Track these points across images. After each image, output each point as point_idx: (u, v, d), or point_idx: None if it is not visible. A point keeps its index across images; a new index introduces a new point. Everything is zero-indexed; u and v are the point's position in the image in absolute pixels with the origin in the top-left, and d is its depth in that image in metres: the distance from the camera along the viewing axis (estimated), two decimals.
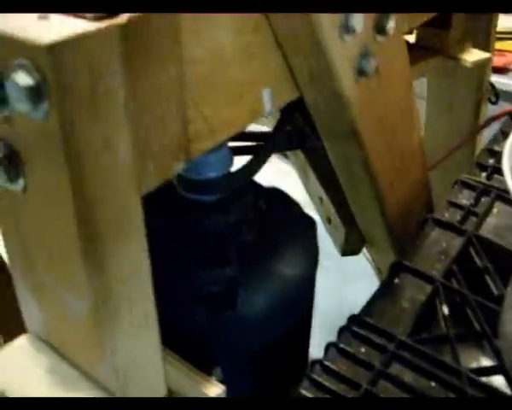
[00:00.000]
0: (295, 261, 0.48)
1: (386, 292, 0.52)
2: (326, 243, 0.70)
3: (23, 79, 0.29)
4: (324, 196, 0.73)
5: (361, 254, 0.92)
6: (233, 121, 0.43)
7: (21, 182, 0.34)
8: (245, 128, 0.44)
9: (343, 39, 0.43)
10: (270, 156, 0.49)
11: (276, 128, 0.54)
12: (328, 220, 0.73)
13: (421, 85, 0.97)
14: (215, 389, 0.41)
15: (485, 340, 0.48)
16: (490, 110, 0.93)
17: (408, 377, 0.45)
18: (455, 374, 0.45)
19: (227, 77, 0.41)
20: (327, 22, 0.41)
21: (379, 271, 0.76)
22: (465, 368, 0.45)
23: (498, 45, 1.50)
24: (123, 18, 0.31)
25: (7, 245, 0.40)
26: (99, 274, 0.35)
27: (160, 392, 0.43)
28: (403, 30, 0.52)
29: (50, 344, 0.42)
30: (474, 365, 0.46)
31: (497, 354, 0.47)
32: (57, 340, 0.42)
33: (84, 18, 0.29)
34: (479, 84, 0.90)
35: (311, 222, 0.53)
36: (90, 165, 0.32)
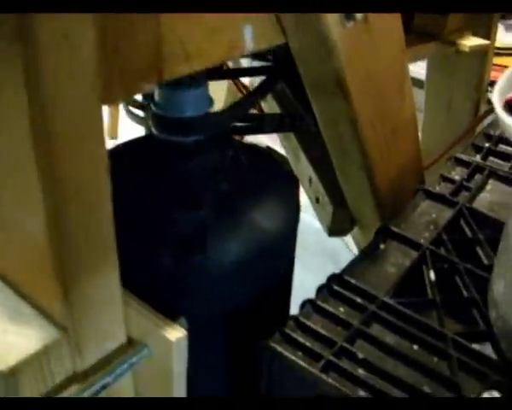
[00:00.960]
0: (274, 213, 0.45)
1: (370, 256, 0.49)
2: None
3: None
4: (314, 177, 0.71)
5: None
6: (211, 52, 0.40)
7: None
8: (223, 62, 0.41)
9: None
10: (253, 106, 0.46)
11: (263, 83, 0.52)
12: (316, 200, 0.70)
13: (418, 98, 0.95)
14: (177, 333, 0.38)
15: (473, 307, 0.45)
16: None
17: (389, 338, 0.42)
18: (440, 337, 0.42)
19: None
20: None
21: None
22: (450, 332, 0.42)
23: (498, 61, 1.50)
24: None
25: None
26: (53, 183, 0.32)
27: (119, 335, 0.39)
28: None
29: (2, 277, 0.39)
30: (460, 331, 0.43)
31: (485, 321, 0.44)
32: (9, 270, 0.39)
33: None
34: (478, 83, 0.88)
35: (293, 179, 0.50)
36: (48, 58, 0.29)
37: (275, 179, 0.49)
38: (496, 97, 0.38)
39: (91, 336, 0.38)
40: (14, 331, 0.36)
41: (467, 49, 0.71)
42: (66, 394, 0.37)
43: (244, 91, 0.75)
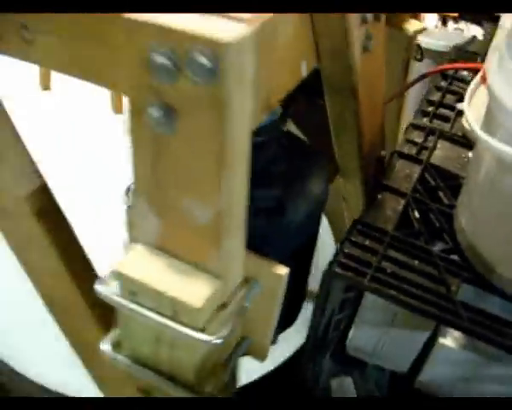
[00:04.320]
0: (319, 186, 0.68)
1: (373, 204, 0.73)
2: None
3: (204, 61, 0.44)
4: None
5: None
6: (282, 85, 0.60)
7: (173, 126, 0.49)
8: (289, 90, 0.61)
9: (360, 26, 0.61)
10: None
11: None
12: None
13: None
14: (284, 270, 0.60)
15: (444, 233, 0.71)
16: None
17: (401, 258, 0.67)
18: (428, 254, 0.67)
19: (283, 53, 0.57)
20: (354, 15, 0.60)
21: (344, 199, 0.98)
22: (435, 250, 0.68)
23: None
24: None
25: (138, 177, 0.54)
26: (228, 185, 0.51)
27: (241, 274, 0.60)
28: None
29: (161, 249, 0.58)
30: (439, 248, 0.69)
31: (453, 240, 0.70)
32: (171, 246, 0.57)
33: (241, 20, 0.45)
34: (408, 46, 1.12)
35: (321, 154, 0.73)
36: (236, 121, 0.48)
37: (316, 160, 0.71)
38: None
39: (230, 279, 0.59)
40: (191, 283, 0.55)
41: (410, 34, 0.94)
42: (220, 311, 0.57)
43: None
